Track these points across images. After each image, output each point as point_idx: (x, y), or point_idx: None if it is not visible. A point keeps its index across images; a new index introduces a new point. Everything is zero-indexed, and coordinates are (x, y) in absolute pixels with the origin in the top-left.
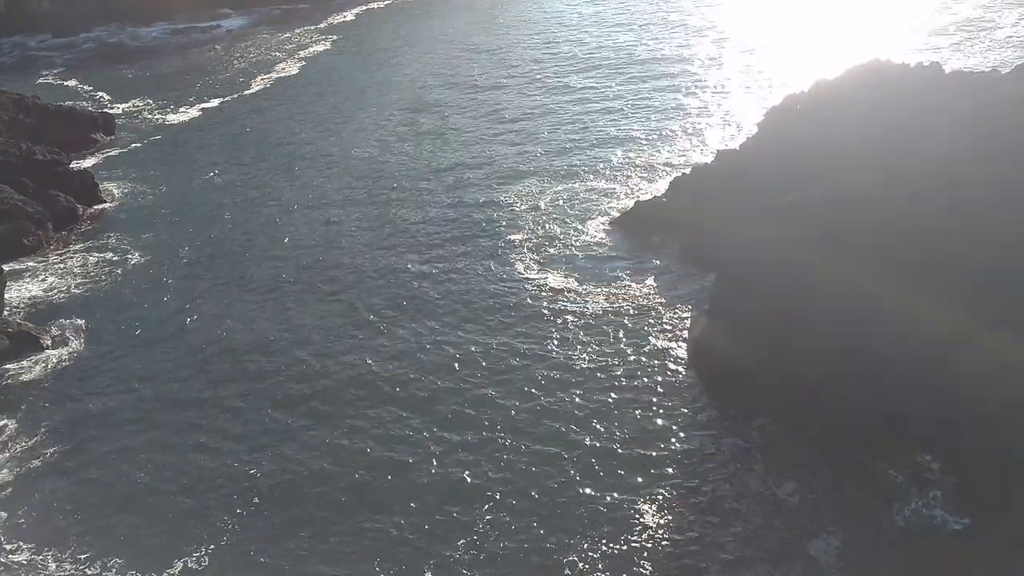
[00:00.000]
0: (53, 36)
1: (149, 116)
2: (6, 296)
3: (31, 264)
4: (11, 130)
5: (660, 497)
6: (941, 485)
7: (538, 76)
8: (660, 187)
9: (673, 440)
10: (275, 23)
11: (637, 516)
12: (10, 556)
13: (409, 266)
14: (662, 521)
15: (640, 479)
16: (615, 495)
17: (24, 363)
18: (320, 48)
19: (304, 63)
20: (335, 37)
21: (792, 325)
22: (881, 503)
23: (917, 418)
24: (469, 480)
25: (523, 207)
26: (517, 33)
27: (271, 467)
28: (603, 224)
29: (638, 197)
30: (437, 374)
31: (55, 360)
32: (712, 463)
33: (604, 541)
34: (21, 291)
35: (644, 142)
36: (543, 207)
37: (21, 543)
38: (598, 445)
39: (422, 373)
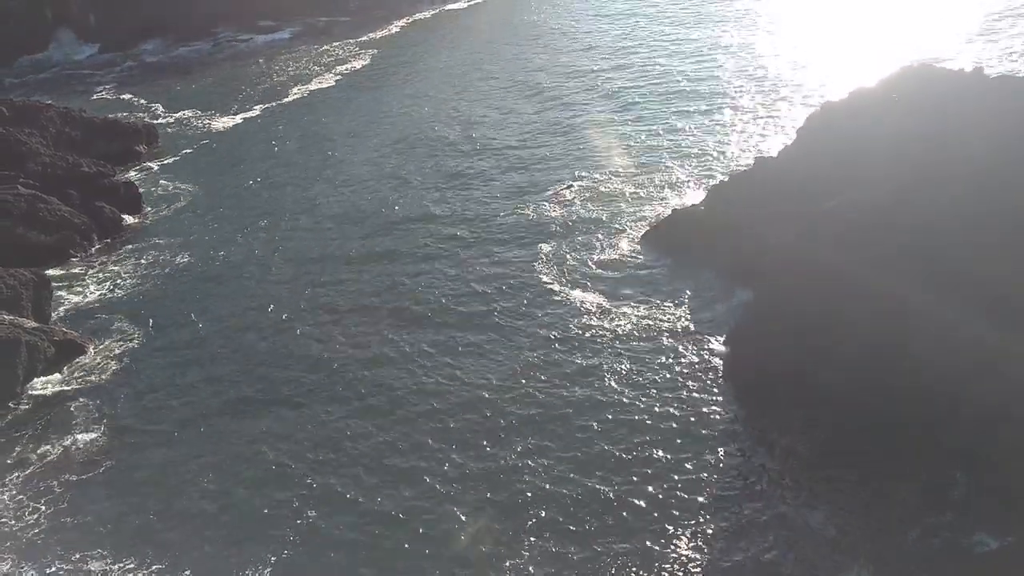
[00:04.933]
0: (100, 51)
1: (192, 127)
2: (51, 304)
3: (76, 273)
4: (58, 143)
5: (690, 522)
6: (979, 504)
7: (574, 81)
8: (697, 195)
9: (705, 460)
10: (318, 36)
11: (666, 540)
12: (81, 564)
13: (434, 275)
14: (692, 546)
15: (670, 502)
16: (643, 518)
17: (70, 371)
18: (359, 63)
19: (341, 77)
20: (375, 51)
21: (830, 341)
22: (916, 528)
23: (954, 436)
24: (496, 500)
25: (553, 216)
26: (555, 39)
27: (326, 480)
28: (637, 234)
29: (674, 206)
30: (460, 391)
31: (101, 368)
32: (744, 486)
33: (630, 565)
34: (67, 300)
35: (680, 149)
36: (574, 216)
37: (89, 551)
38: (626, 465)
39: (446, 390)
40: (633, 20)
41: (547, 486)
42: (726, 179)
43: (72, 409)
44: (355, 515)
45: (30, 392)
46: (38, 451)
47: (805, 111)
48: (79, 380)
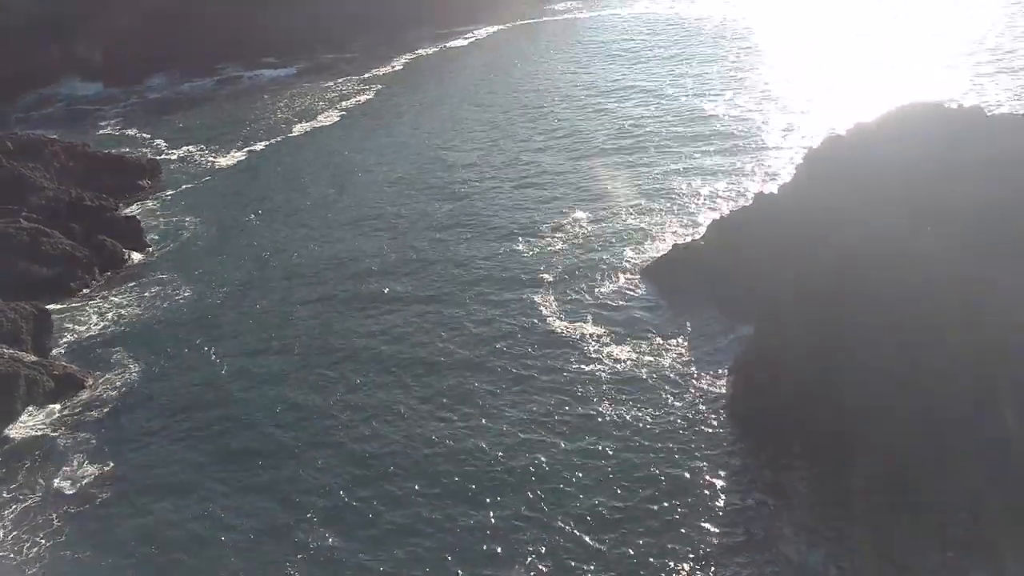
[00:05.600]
0: (105, 87)
1: (195, 162)
2: (51, 338)
3: (77, 307)
4: (62, 177)
5: (689, 558)
6: (980, 543)
7: (573, 118)
8: (697, 231)
9: (705, 498)
10: (322, 72)
11: None
12: None
13: (435, 317)
14: None
15: (670, 539)
16: (642, 556)
17: (69, 405)
18: (362, 98)
19: (345, 113)
20: (379, 87)
21: (831, 376)
22: (917, 567)
23: (957, 473)
24: (491, 554)
25: (554, 251)
26: (554, 77)
27: (319, 533)
28: (637, 269)
29: (674, 241)
30: (458, 439)
31: (99, 403)
32: (744, 523)
33: None
34: (67, 334)
35: (680, 185)
36: (575, 252)
37: None
38: (625, 503)
39: (444, 439)
40: (633, 60)
41: (530, 514)
42: (726, 214)
43: (70, 444)
44: (348, 569)
45: (28, 426)
46: (36, 485)
47: (805, 148)
48: (78, 415)
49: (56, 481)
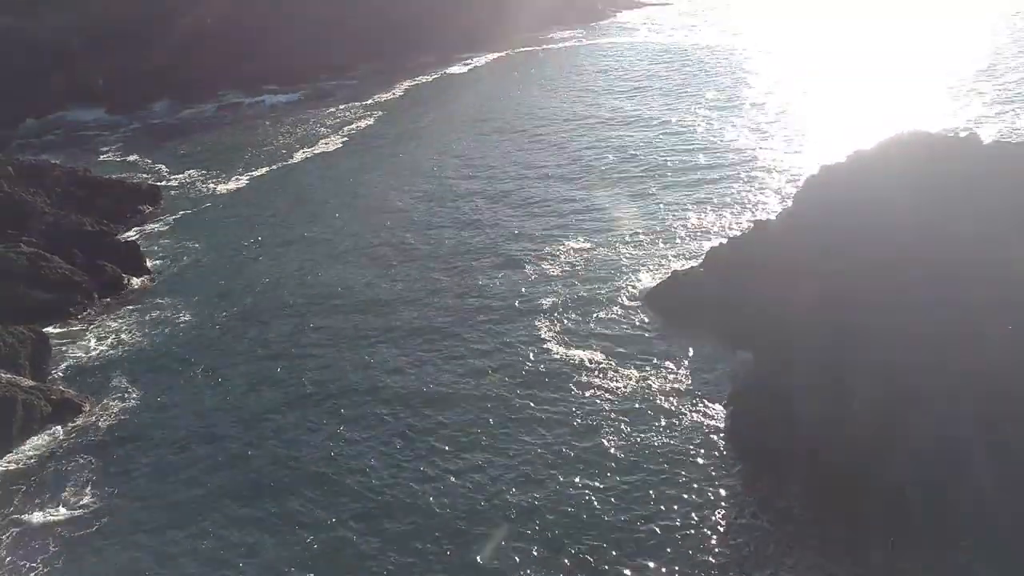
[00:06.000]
0: (107, 112)
1: (196, 188)
2: (49, 362)
3: (76, 331)
4: (63, 203)
5: None
6: (981, 570)
7: (573, 147)
8: (696, 258)
9: (705, 527)
10: (324, 98)
11: None
12: None
13: (433, 350)
14: None
15: (670, 570)
16: None
17: (67, 430)
18: (363, 124)
19: (347, 139)
20: (380, 114)
21: (830, 403)
22: None
23: (958, 501)
24: (493, 570)
25: (553, 278)
26: (553, 106)
27: (316, 552)
28: (637, 296)
29: (673, 268)
30: (458, 454)
31: (97, 428)
32: (745, 553)
33: None
34: (66, 358)
35: (679, 212)
36: (574, 280)
37: None
38: (625, 533)
39: (445, 455)
40: (633, 89)
41: (526, 545)
42: (725, 241)
43: (66, 470)
44: None
45: (26, 451)
46: (33, 510)
47: (802, 175)
48: (75, 440)
49: (51, 508)
